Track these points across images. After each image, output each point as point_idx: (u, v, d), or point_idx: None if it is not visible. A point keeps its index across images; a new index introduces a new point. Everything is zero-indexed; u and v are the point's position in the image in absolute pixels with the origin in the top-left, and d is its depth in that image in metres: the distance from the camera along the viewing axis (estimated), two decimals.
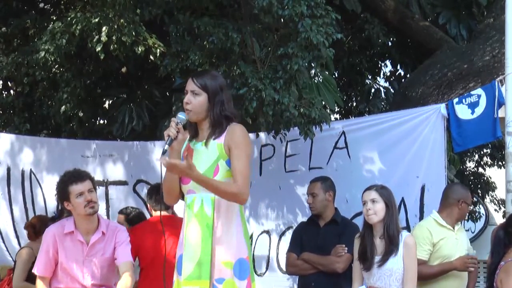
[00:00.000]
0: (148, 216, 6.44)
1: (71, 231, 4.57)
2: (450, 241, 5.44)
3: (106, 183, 7.14)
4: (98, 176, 6.96)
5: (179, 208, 6.31)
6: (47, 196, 7.13)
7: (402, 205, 6.28)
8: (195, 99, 3.75)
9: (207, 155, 3.71)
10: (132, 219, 5.97)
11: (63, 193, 4.58)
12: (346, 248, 5.35)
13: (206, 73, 3.92)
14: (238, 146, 3.70)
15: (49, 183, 7.10)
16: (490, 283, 4.78)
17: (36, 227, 6.15)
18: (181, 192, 3.85)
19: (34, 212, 7.09)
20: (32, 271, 4.75)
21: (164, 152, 3.68)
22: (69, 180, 4.57)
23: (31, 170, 7.17)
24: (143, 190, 7.04)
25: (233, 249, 3.71)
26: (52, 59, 6.12)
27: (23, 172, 7.17)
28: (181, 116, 3.74)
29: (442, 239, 5.39)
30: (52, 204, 7.10)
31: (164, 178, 3.81)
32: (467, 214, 7.22)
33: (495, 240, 4.89)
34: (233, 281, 3.68)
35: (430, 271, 5.33)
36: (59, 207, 6.99)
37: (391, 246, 4.72)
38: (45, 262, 4.60)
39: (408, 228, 6.22)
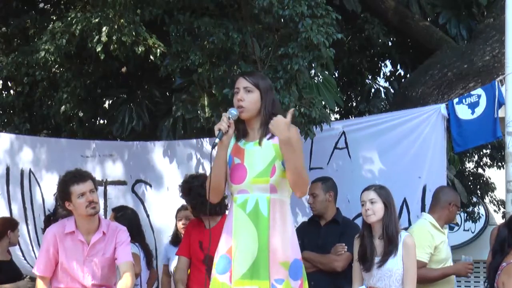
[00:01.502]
0: (142, 216, 6.48)
1: (72, 231, 4.57)
2: (445, 244, 5.50)
3: (105, 183, 7.14)
4: (97, 176, 6.95)
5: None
6: (45, 195, 7.12)
7: (404, 206, 6.28)
8: (248, 96, 3.73)
9: (262, 155, 3.71)
10: (120, 217, 5.91)
11: (64, 193, 4.57)
12: (346, 247, 5.35)
13: (255, 72, 4.00)
14: (296, 146, 3.68)
15: (48, 183, 7.10)
16: (491, 283, 4.77)
17: (1, 229, 6.07)
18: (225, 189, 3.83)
19: (33, 211, 7.09)
20: (32, 270, 4.74)
21: (214, 146, 3.67)
22: (70, 180, 4.56)
23: (30, 169, 7.16)
24: (142, 190, 7.05)
25: (289, 249, 3.72)
26: (52, 59, 6.11)
27: (22, 172, 7.17)
28: (233, 111, 3.71)
29: (441, 242, 5.43)
30: (50, 203, 7.09)
31: (212, 173, 3.75)
32: (465, 214, 7.26)
33: (498, 239, 4.89)
34: (289, 282, 3.69)
35: (434, 274, 5.35)
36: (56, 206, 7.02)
37: (391, 247, 4.72)
38: (45, 262, 4.60)
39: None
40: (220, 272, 3.75)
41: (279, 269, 3.67)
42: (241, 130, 3.79)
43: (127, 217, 5.79)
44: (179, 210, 6.14)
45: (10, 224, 6.17)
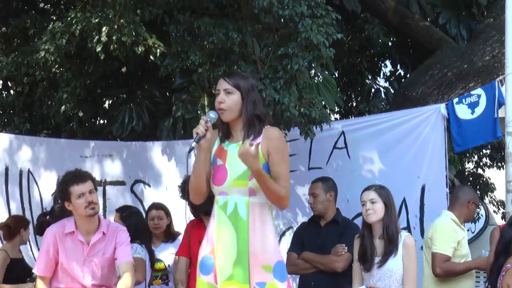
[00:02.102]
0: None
1: (72, 231, 4.57)
2: (466, 240, 5.59)
3: (104, 183, 7.14)
4: (96, 176, 6.95)
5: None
6: (44, 195, 7.14)
7: (403, 206, 6.29)
8: (229, 98, 3.70)
9: None
10: (126, 216, 5.92)
11: (64, 193, 4.57)
12: (346, 248, 5.35)
13: (237, 73, 3.97)
14: (279, 152, 3.68)
15: (47, 182, 7.12)
16: (494, 284, 4.76)
17: (11, 228, 6.13)
18: (208, 191, 3.82)
19: (31, 211, 7.10)
20: (32, 270, 4.74)
21: (191, 150, 3.66)
22: (70, 180, 4.56)
23: (29, 169, 7.17)
24: (141, 190, 7.06)
25: (271, 252, 3.70)
26: (52, 59, 6.12)
27: (21, 171, 7.18)
28: (212, 114, 3.70)
29: (463, 238, 5.53)
30: (48, 203, 7.10)
31: (191, 175, 3.77)
32: None
33: (502, 240, 4.88)
34: (274, 284, 3.68)
35: (459, 268, 5.45)
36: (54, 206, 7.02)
37: (391, 247, 4.71)
38: (45, 262, 4.60)
39: (408, 228, 6.23)
40: (204, 273, 3.75)
41: (261, 272, 3.66)
42: (225, 131, 3.78)
43: (134, 217, 5.79)
44: (149, 210, 6.10)
45: (22, 223, 6.21)
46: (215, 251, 3.72)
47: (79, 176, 4.59)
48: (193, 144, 3.65)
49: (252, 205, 3.68)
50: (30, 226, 6.35)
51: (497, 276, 4.71)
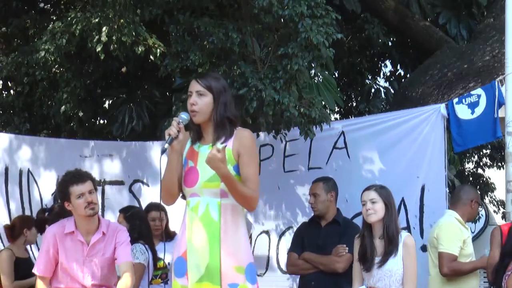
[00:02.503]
0: None
1: (72, 231, 4.57)
2: (470, 240, 5.62)
3: (103, 183, 7.15)
4: (95, 176, 6.94)
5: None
6: (43, 194, 7.14)
7: (402, 205, 6.28)
8: (201, 100, 3.71)
9: None
10: (130, 217, 5.93)
11: (63, 193, 4.58)
12: (347, 248, 5.35)
13: (209, 74, 3.91)
14: (248, 153, 3.69)
15: (46, 182, 7.12)
16: (499, 284, 4.74)
17: (15, 228, 6.16)
18: (179, 193, 3.83)
19: (31, 211, 7.10)
20: (32, 271, 4.75)
21: (163, 151, 3.67)
22: (70, 180, 4.56)
23: (28, 169, 7.17)
24: (139, 189, 7.05)
25: (242, 254, 3.70)
26: (52, 59, 6.12)
27: (20, 171, 7.18)
28: (184, 116, 3.72)
29: (468, 237, 5.57)
30: (48, 202, 7.11)
31: (163, 177, 3.78)
32: None
33: (510, 239, 4.88)
34: (246, 285, 3.68)
35: (466, 267, 5.48)
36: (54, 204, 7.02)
37: (391, 247, 4.71)
38: (45, 262, 4.60)
39: (408, 228, 6.23)
40: (177, 275, 3.74)
41: (234, 274, 3.66)
42: (196, 132, 3.77)
43: (137, 216, 5.80)
44: (149, 210, 6.10)
45: (26, 223, 6.21)
46: (187, 253, 3.71)
47: (79, 176, 4.60)
48: (166, 145, 3.65)
49: (224, 207, 3.69)
50: None
51: (503, 275, 4.70)
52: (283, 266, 6.49)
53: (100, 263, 4.59)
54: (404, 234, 4.83)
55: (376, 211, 4.77)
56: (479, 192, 13.39)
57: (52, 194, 7.09)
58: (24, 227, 6.16)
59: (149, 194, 6.99)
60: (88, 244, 4.57)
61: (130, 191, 7.10)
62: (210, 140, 3.73)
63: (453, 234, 5.46)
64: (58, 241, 4.57)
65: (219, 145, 3.62)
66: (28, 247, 6.40)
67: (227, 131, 3.71)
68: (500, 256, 4.88)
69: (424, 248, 6.08)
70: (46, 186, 7.11)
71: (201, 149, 3.75)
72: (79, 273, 4.57)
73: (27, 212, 7.07)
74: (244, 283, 3.67)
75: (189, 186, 3.75)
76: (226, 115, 3.72)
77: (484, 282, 5.83)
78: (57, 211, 5.45)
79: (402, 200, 6.27)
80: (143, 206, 6.88)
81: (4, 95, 8.66)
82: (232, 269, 3.66)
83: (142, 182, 7.09)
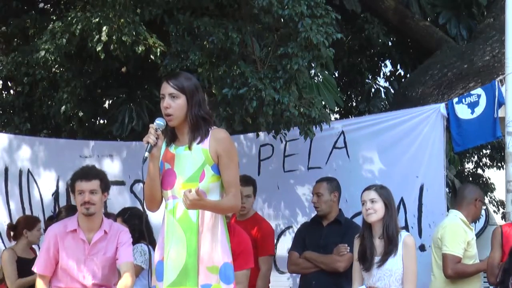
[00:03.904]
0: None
1: (74, 229, 4.56)
2: (474, 241, 5.60)
3: None
4: None
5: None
6: (43, 195, 7.13)
7: (401, 205, 6.29)
8: (175, 103, 3.66)
9: (192, 160, 3.65)
10: (128, 218, 5.92)
11: (71, 185, 4.64)
12: (348, 248, 5.35)
13: (180, 74, 3.81)
14: (227, 155, 3.66)
15: (46, 182, 7.11)
16: (507, 283, 4.73)
17: (16, 229, 6.19)
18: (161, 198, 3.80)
19: (31, 211, 7.09)
20: (32, 269, 4.74)
21: (144, 160, 3.64)
22: (78, 174, 4.61)
23: (28, 169, 7.17)
24: (140, 189, 7.04)
25: (218, 254, 3.66)
26: (53, 58, 6.11)
27: (20, 171, 7.17)
28: (160, 122, 3.67)
29: (472, 239, 5.55)
30: (48, 202, 7.10)
31: (146, 185, 3.76)
32: None
33: None
34: (219, 285, 3.64)
35: (470, 270, 5.47)
36: (56, 206, 7.01)
37: (391, 246, 4.71)
38: (45, 260, 4.60)
39: (406, 228, 6.23)
40: (158, 279, 3.71)
41: (207, 274, 3.63)
42: (170, 135, 3.73)
43: (136, 216, 5.79)
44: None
45: (26, 224, 6.22)
46: (164, 256, 3.68)
47: (85, 173, 4.61)
48: (146, 154, 3.63)
49: None
50: (41, 225, 6.37)
51: (509, 277, 4.68)
52: (283, 266, 6.48)
53: (101, 262, 4.59)
54: (404, 234, 4.83)
55: (376, 211, 4.77)
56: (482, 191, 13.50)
57: (52, 194, 7.09)
58: (25, 227, 6.17)
59: None
60: (90, 243, 4.57)
61: (131, 191, 7.09)
62: (186, 141, 3.69)
63: (458, 236, 5.44)
64: (59, 240, 4.57)
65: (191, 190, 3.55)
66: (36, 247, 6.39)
67: (202, 131, 3.67)
68: (509, 255, 4.85)
69: (422, 248, 6.09)
70: (46, 186, 7.11)
71: (177, 150, 3.71)
72: (80, 272, 4.56)
73: (27, 213, 7.06)
74: (218, 283, 3.64)
75: (167, 189, 3.72)
76: (200, 115, 3.67)
77: (484, 282, 5.81)
78: (63, 216, 5.45)
79: (401, 199, 6.27)
80: (146, 207, 6.87)
81: (4, 95, 8.66)
82: (205, 269, 3.63)
83: (143, 182, 7.06)
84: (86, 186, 4.53)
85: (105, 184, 4.66)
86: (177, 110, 3.65)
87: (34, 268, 4.66)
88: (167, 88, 3.68)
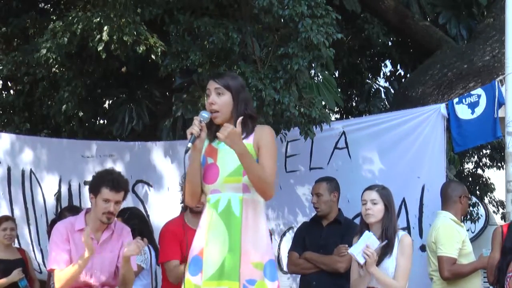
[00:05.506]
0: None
1: (82, 229, 4.53)
2: (468, 238, 5.63)
3: None
4: None
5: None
6: (46, 195, 7.12)
7: (403, 206, 6.29)
8: (220, 99, 3.67)
9: (235, 154, 3.62)
10: (128, 218, 5.92)
11: (95, 186, 4.54)
12: (349, 248, 5.34)
13: (226, 73, 3.87)
14: (266, 146, 3.66)
15: (49, 183, 7.10)
16: (502, 283, 4.73)
17: None
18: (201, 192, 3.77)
19: (34, 212, 7.08)
20: (51, 267, 4.60)
21: (187, 151, 3.61)
22: (107, 181, 4.50)
23: (31, 170, 7.16)
24: (142, 190, 7.05)
25: (263, 250, 3.65)
26: (54, 57, 6.11)
27: (23, 172, 7.16)
28: (205, 114, 3.65)
29: (465, 236, 5.57)
30: (51, 204, 7.10)
31: (187, 178, 3.70)
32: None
33: (510, 236, 4.87)
34: (264, 282, 3.62)
35: (466, 269, 5.48)
36: (58, 207, 7.00)
37: (387, 248, 4.70)
38: (62, 255, 4.49)
39: (408, 228, 6.23)
40: (192, 273, 3.68)
41: (252, 270, 3.60)
42: (214, 130, 3.71)
43: (136, 215, 5.79)
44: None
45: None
46: (203, 251, 3.66)
47: (117, 183, 4.53)
48: (189, 145, 3.60)
49: (246, 202, 3.65)
50: (31, 228, 6.34)
51: (505, 274, 4.69)
52: (283, 266, 6.48)
53: (107, 260, 4.58)
54: (401, 233, 4.81)
55: (375, 213, 4.76)
56: (478, 193, 13.50)
57: (54, 195, 7.08)
58: None
59: (153, 195, 6.99)
60: (98, 242, 4.56)
61: (133, 192, 7.09)
62: None
63: (451, 237, 5.45)
64: (70, 236, 4.54)
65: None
66: (31, 247, 6.37)
67: (249, 128, 3.69)
68: (501, 253, 4.87)
69: (423, 248, 6.09)
70: (48, 187, 7.09)
71: (220, 145, 3.70)
72: (87, 270, 4.53)
73: (31, 213, 7.06)
74: (262, 279, 3.61)
75: (209, 183, 3.70)
76: (247, 112, 3.69)
77: (484, 282, 5.81)
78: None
79: (403, 200, 6.27)
80: (147, 207, 6.89)
81: (4, 94, 8.66)
82: (251, 265, 3.60)
83: (146, 183, 7.08)
84: (114, 197, 4.49)
85: (126, 196, 4.64)
86: (223, 106, 3.67)
87: (53, 266, 4.52)
88: (212, 84, 3.71)
